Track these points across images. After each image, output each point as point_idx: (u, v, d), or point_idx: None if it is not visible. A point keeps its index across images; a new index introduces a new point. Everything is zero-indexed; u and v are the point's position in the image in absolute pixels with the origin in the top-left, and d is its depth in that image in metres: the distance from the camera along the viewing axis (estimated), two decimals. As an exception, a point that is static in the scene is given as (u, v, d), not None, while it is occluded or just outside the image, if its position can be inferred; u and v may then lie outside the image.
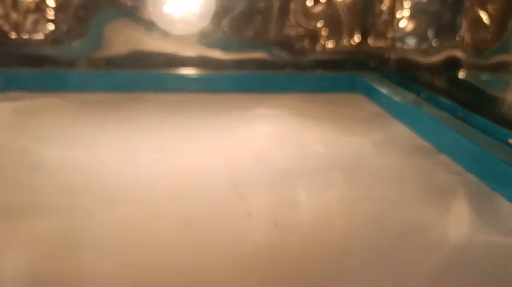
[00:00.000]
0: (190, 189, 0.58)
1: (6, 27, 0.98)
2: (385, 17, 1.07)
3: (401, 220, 0.52)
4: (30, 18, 0.99)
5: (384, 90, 0.94)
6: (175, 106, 0.91)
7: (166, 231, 0.48)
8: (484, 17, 0.74)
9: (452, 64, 0.83)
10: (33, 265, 0.43)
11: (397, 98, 0.88)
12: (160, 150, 0.69)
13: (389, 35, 1.07)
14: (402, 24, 1.03)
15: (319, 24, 1.06)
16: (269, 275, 0.42)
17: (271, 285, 0.41)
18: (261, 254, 0.45)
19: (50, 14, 0.99)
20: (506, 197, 0.56)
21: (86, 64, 1.01)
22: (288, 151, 0.70)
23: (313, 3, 1.05)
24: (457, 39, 0.82)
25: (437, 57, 0.89)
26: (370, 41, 1.08)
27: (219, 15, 1.03)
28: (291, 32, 1.06)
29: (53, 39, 1.00)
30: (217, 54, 1.05)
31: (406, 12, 1.02)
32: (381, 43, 1.08)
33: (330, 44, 1.07)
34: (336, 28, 1.07)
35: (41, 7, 0.99)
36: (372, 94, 0.98)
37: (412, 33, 1.00)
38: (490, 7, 0.73)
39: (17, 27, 0.99)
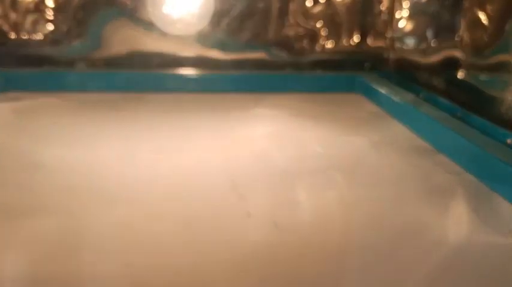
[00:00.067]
0: (189, 189, 0.58)
1: (5, 28, 0.98)
2: (384, 17, 1.07)
3: (400, 220, 0.52)
4: (30, 19, 0.99)
5: (383, 90, 0.94)
6: (174, 106, 0.91)
7: (165, 231, 0.48)
8: (483, 17, 0.74)
9: (451, 64, 0.83)
10: (32, 265, 0.43)
11: (396, 98, 0.88)
12: (160, 150, 0.69)
13: (389, 35, 1.07)
14: (401, 24, 1.03)
15: (318, 25, 1.06)
16: (268, 275, 0.42)
17: (270, 285, 0.41)
18: (260, 254, 0.45)
19: (49, 14, 0.99)
20: (505, 197, 0.56)
21: (85, 64, 1.01)
22: (287, 151, 0.70)
23: (312, 3, 1.05)
24: (455, 39, 0.82)
25: (436, 58, 0.89)
26: (369, 41, 1.08)
27: (218, 15, 1.03)
28: (290, 32, 1.06)
29: (52, 39, 1.00)
30: (216, 54, 1.05)
31: (405, 13, 1.02)
32: (380, 43, 1.08)
33: (329, 44, 1.08)
34: (335, 28, 1.07)
35: (40, 7, 0.99)
36: (371, 94, 0.98)
37: (411, 33, 1.00)
38: (488, 8, 0.74)
39: (16, 27, 0.99)
